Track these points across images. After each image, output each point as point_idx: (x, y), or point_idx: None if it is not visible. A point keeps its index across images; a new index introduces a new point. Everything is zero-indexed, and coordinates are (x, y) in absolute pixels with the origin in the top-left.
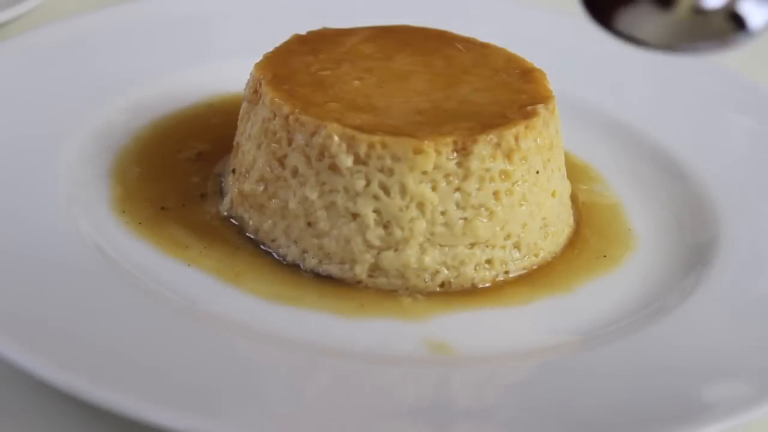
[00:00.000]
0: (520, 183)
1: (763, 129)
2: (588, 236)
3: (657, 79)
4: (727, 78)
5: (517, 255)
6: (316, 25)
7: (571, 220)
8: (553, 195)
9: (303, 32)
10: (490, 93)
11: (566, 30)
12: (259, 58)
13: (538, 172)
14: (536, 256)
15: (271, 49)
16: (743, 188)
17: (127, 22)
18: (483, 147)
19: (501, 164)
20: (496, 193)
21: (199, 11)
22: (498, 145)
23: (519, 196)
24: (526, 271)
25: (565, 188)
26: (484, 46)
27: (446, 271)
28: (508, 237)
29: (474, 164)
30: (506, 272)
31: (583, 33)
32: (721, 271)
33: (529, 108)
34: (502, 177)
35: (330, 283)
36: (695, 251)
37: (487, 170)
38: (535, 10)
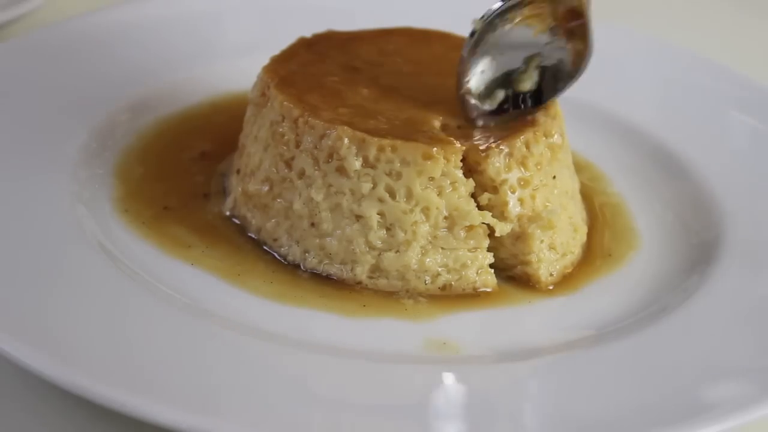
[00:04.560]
0: (540, 188)
1: (766, 129)
2: (595, 236)
3: (660, 79)
4: (730, 78)
5: (554, 256)
6: (319, 24)
7: (585, 219)
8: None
9: (307, 32)
10: None
11: None
12: (263, 57)
13: (555, 177)
14: (570, 254)
15: (275, 48)
16: (746, 188)
17: (131, 21)
18: (495, 160)
19: (517, 173)
20: (521, 200)
21: (203, 10)
22: (510, 154)
23: (542, 200)
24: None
25: (576, 188)
26: None
27: (447, 274)
28: (541, 241)
29: (488, 178)
30: (551, 274)
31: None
32: (724, 271)
33: (529, 117)
34: (522, 184)
35: (331, 283)
36: (698, 251)
37: (503, 182)
38: None
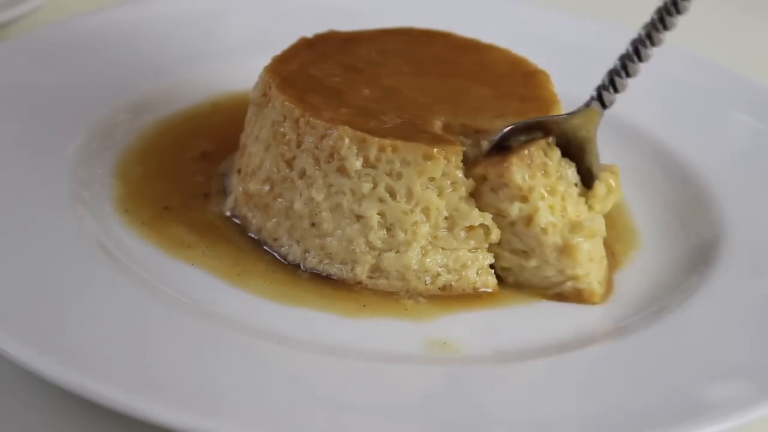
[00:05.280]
0: (567, 197)
1: (766, 129)
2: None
3: (660, 79)
4: (730, 78)
5: (596, 266)
6: (319, 23)
7: None
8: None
9: (308, 32)
10: (495, 101)
11: (569, 30)
12: (264, 57)
13: (576, 185)
14: (603, 259)
15: (276, 48)
16: (746, 188)
17: (131, 21)
18: (517, 168)
19: (542, 180)
20: (552, 208)
21: (203, 10)
22: (531, 162)
23: (573, 209)
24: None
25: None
26: (487, 48)
27: (447, 275)
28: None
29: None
30: (600, 284)
31: (585, 33)
32: (724, 271)
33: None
34: (549, 191)
35: (331, 283)
36: (698, 251)
37: (531, 188)
38: (538, 11)
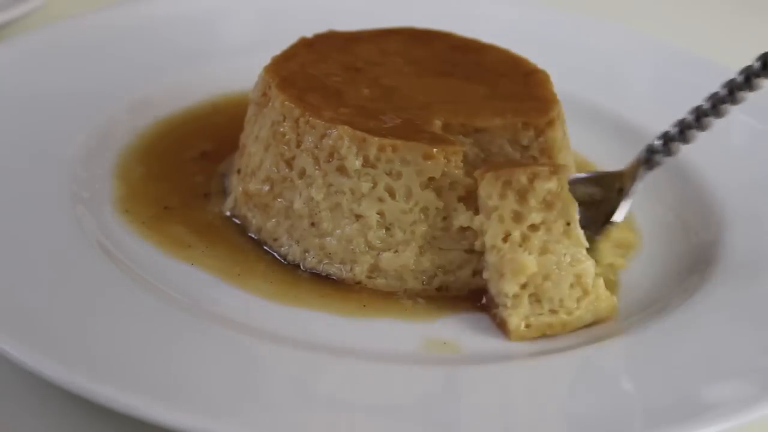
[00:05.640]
0: (542, 230)
1: (766, 129)
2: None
3: (659, 79)
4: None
5: (536, 309)
6: (319, 23)
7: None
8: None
9: (308, 32)
10: (495, 101)
11: (569, 30)
12: (264, 57)
13: (569, 224)
14: (566, 314)
15: (276, 48)
16: (746, 188)
17: (131, 21)
18: (488, 183)
19: (513, 205)
20: (507, 235)
21: (203, 10)
22: (508, 183)
23: (540, 243)
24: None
25: None
26: (487, 48)
27: (444, 275)
28: (524, 286)
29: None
30: (527, 326)
31: (585, 33)
32: (724, 271)
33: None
34: (514, 217)
35: (330, 283)
36: (698, 251)
37: (494, 208)
38: (538, 10)
